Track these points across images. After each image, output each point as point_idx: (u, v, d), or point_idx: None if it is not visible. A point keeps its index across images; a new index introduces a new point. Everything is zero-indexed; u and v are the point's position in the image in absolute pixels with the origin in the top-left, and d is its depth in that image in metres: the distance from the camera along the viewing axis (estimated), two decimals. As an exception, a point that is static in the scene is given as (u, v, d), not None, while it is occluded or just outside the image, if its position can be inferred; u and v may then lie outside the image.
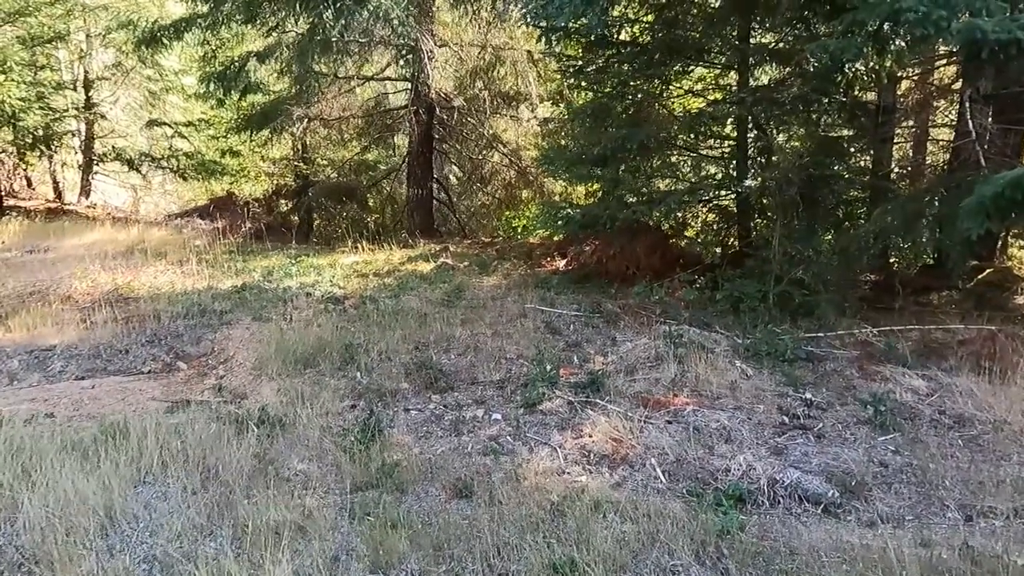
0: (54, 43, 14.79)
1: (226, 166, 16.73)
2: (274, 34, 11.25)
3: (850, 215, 7.55)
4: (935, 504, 3.48)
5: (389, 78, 13.65)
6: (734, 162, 8.15)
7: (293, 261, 9.85)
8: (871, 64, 5.90)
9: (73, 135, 16.51)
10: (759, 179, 6.96)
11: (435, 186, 14.39)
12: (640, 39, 8.35)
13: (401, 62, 12.76)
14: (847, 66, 5.82)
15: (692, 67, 8.57)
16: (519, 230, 15.75)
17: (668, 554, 3.00)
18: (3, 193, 14.88)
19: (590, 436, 4.24)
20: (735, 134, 8.19)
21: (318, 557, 2.93)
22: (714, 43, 7.85)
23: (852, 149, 7.72)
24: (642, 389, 4.96)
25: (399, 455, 4.05)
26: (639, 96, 8.29)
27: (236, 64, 11.47)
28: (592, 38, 8.24)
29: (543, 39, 8.77)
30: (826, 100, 6.87)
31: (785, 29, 7.34)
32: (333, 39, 10.32)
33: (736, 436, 4.22)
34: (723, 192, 8.45)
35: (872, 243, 6.30)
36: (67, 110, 15.23)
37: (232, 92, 11.96)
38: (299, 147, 15.44)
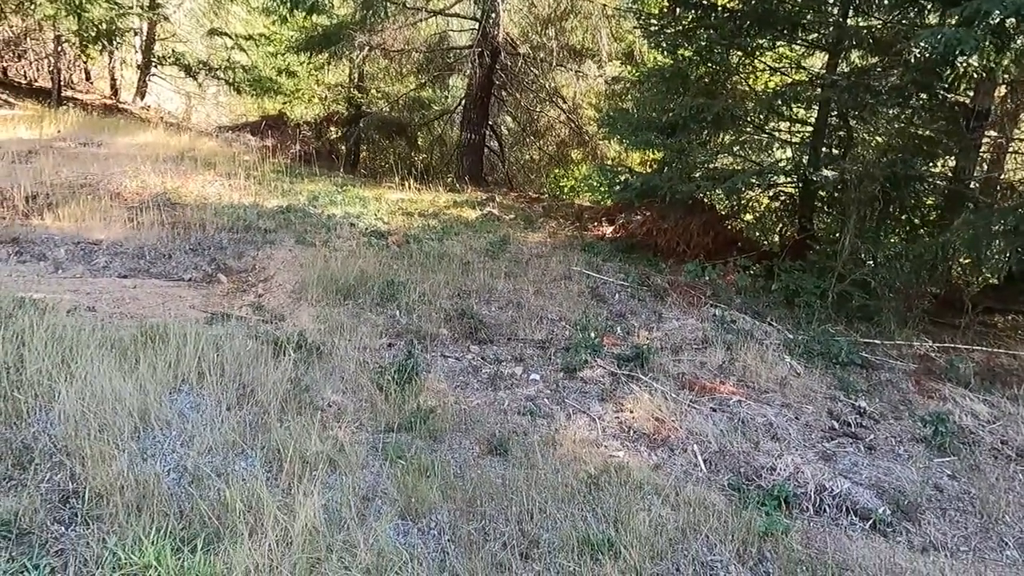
0: (126, -64, 14.55)
1: (281, 85, 16.53)
2: (348, -47, 10.91)
3: (925, 220, 7.15)
4: (993, 538, 3.28)
5: (457, 15, 13.23)
6: (808, 149, 7.75)
7: (339, 189, 9.73)
8: (984, 62, 5.45)
9: (135, 33, 16.39)
10: (837, 170, 6.57)
11: (488, 133, 14.08)
12: (730, 4, 7.88)
13: (472, -1, 12.35)
14: (959, 60, 5.38)
15: (779, 42, 8.08)
16: (566, 190, 15.44)
17: (708, 548, 2.86)
18: (62, 84, 14.91)
19: (631, 412, 4.09)
20: (814, 119, 7.77)
21: (349, 494, 2.84)
22: (809, 18, 7.36)
23: (939, 151, 7.26)
24: (687, 371, 4.78)
25: (434, 401, 3.94)
26: (719, 65, 7.87)
27: (306, -20, 11.17)
28: (678, -2, 7.83)
29: (627, -8, 8.37)
30: (925, 95, 6.41)
31: (892, 12, 6.82)
32: (407, -35, 9.95)
33: (783, 435, 4.03)
34: (790, 179, 8.06)
35: (951, 254, 5.94)
36: (131, 7, 15.05)
37: (298, 9, 11.70)
38: (356, 75, 15.19)
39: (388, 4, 11.64)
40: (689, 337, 5.40)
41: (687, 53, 7.88)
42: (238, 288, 5.81)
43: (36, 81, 15.97)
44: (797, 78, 8.26)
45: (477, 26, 12.24)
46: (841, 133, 7.55)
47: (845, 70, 7.23)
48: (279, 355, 4.10)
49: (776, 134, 8.34)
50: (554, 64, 12.71)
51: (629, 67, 11.96)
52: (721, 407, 4.29)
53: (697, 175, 7.66)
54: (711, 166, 7.86)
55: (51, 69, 14.99)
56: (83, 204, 6.83)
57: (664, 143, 8.10)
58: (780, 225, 8.47)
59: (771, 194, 8.55)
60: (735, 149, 8.13)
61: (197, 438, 3.11)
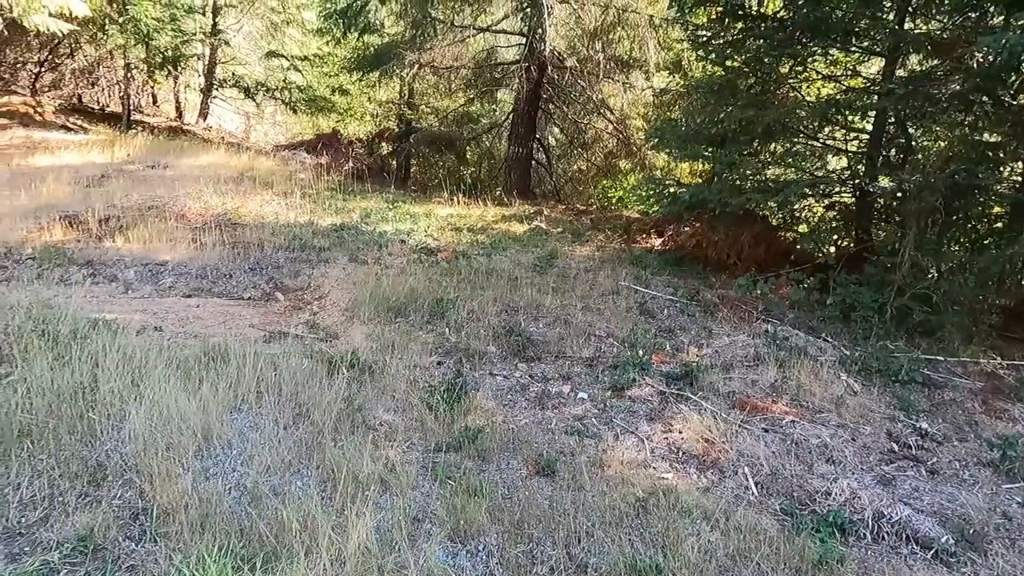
0: (189, -33, 15.28)
1: (335, 103, 17.05)
2: (397, -25, 11.20)
3: (991, 231, 6.84)
4: (1067, 572, 3.12)
5: (504, 31, 13.38)
6: (864, 158, 7.53)
7: (390, 206, 9.96)
8: (1053, 66, 5.21)
9: (198, 58, 17.17)
10: (896, 180, 6.37)
11: (535, 146, 14.17)
12: (780, 13, 7.74)
13: (519, 15, 12.47)
14: (1024, 65, 5.16)
15: (833, 49, 7.89)
16: (615, 201, 15.39)
17: (759, 576, 2.82)
18: (132, 108, 15.73)
19: (680, 432, 4.05)
20: (870, 127, 7.54)
21: (399, 515, 2.92)
22: (863, 24, 7.16)
23: (1003, 158, 6.94)
24: (738, 389, 4.70)
25: (482, 420, 4.00)
26: (769, 75, 7.73)
27: (358, 3, 11.51)
28: (726, 7, 7.73)
29: (673, 5, 8.33)
30: (988, 101, 6.16)
31: (953, 16, 6.58)
32: (455, -15, 10.15)
33: (839, 457, 3.92)
34: (846, 189, 7.84)
35: (1020, 266, 5.67)
36: (195, 33, 15.80)
37: (351, 30, 12.06)
38: (406, 92, 15.51)
39: (437, 23, 11.89)
40: (740, 354, 5.31)
41: (736, 63, 7.77)
42: (294, 306, 6.01)
43: (108, 106, 16.89)
44: (852, 84, 8.05)
45: (524, 41, 12.36)
46: (900, 141, 7.31)
47: (903, 76, 7.00)
48: (333, 374, 4.23)
49: (830, 143, 8.13)
50: (601, 76, 12.71)
51: (677, 77, 11.85)
52: (773, 427, 4.21)
53: (747, 186, 7.53)
54: (762, 177, 7.71)
55: (121, 95, 15.84)
56: (151, 226, 7.20)
57: (713, 155, 8.01)
58: (836, 236, 8.23)
59: (826, 204, 8.33)
60: (787, 160, 7.95)
61: (256, 457, 3.25)
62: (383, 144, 16.06)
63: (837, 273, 6.80)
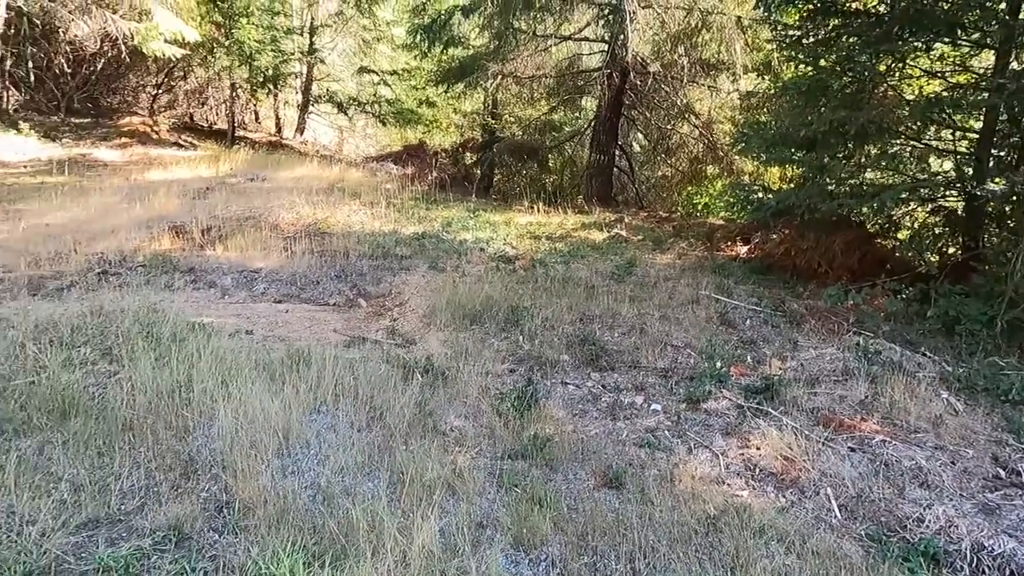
0: (289, -10, 16.22)
1: (422, 115, 17.57)
2: (481, -12, 11.42)
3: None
4: None
5: (586, 38, 13.37)
6: (973, 159, 6.98)
7: (471, 215, 10.13)
8: None
9: (296, 76, 18.15)
10: (1008, 182, 5.87)
11: (617, 153, 14.04)
12: (875, 8, 7.33)
13: (601, 22, 12.43)
14: None
15: (936, 43, 7.38)
16: (700, 207, 14.98)
17: (837, 604, 2.66)
18: (236, 125, 16.82)
19: (757, 448, 3.89)
20: (980, 126, 6.99)
21: (464, 520, 2.95)
22: (972, 16, 6.66)
23: None
24: (823, 405, 4.46)
25: (552, 429, 3.99)
26: (864, 74, 7.32)
27: (443, 17, 11.82)
28: (817, 5, 7.40)
29: (760, 5, 8.05)
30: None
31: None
32: (537, -5, 10.25)
33: (934, 481, 3.64)
34: (951, 193, 7.30)
35: None
36: (293, 53, 16.74)
37: (436, 44, 12.39)
38: (489, 103, 15.77)
39: (519, 33, 12.03)
40: (827, 368, 5.04)
41: (827, 63, 7.41)
42: (375, 312, 6.22)
43: (216, 124, 18.13)
44: (961, 80, 7.49)
45: (606, 48, 12.29)
46: (1013, 140, 6.73)
47: (1016, 69, 6.45)
48: (408, 379, 4.35)
49: (934, 144, 7.60)
50: (686, 80, 12.43)
51: (766, 79, 11.43)
52: (861, 447, 3.96)
53: (840, 191, 7.15)
54: (856, 181, 7.30)
55: (227, 112, 16.97)
56: (247, 235, 7.66)
57: (803, 158, 7.66)
58: (939, 244, 7.66)
59: (929, 210, 7.78)
60: (883, 163, 7.49)
61: (331, 458, 3.38)
62: (467, 154, 16.39)
63: (940, 283, 6.33)
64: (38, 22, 12.61)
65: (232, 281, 6.52)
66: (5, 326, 4.61)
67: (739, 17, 11.35)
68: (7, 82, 14.18)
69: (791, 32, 8.01)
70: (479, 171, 15.89)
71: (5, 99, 14.14)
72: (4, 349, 4.21)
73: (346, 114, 18.77)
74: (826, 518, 3.32)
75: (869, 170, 7.76)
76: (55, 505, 2.90)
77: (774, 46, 9.67)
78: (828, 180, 7.30)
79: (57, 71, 14.94)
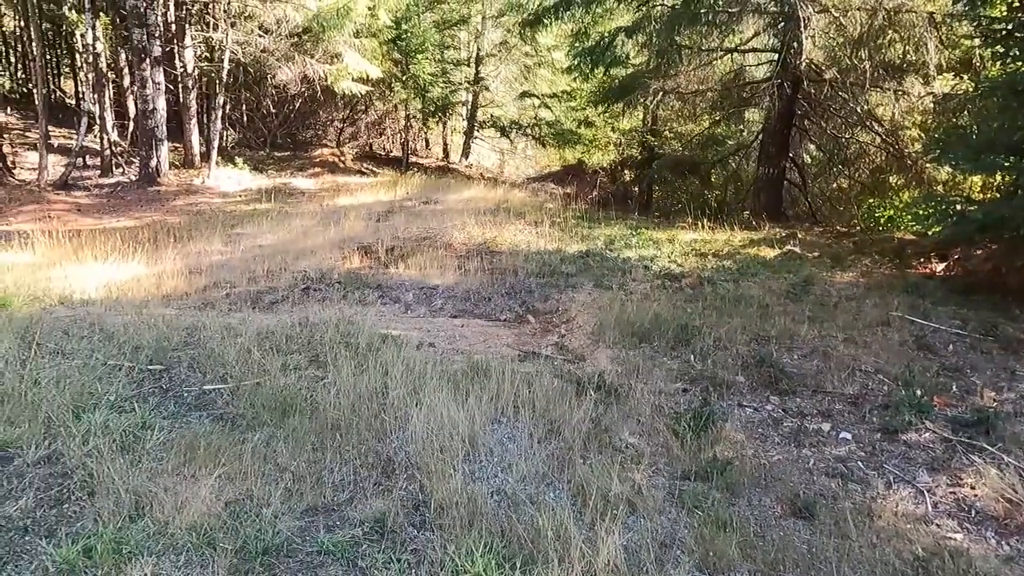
0: (458, 25, 17.30)
1: (580, 135, 17.85)
2: (644, 8, 11.44)
3: None
4: None
5: (755, 49, 12.87)
6: None
7: (633, 232, 10.09)
8: None
9: (462, 104, 19.26)
10: None
11: (787, 165, 13.29)
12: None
13: (770, 31, 11.91)
14: None
15: None
16: (884, 221, 13.73)
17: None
18: (409, 152, 18.17)
19: (972, 487, 3.51)
20: None
21: (647, 537, 2.97)
22: None
23: None
24: (1053, 445, 3.92)
25: (731, 452, 3.88)
26: (1098, 65, 6.38)
27: (605, 39, 11.97)
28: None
29: (962, -3, 7.32)
30: None
31: None
32: (703, 10, 10.07)
33: None
34: None
35: None
36: (461, 83, 17.80)
37: (599, 66, 12.55)
38: (649, 119, 15.66)
39: (682, 49, 11.86)
40: (1056, 402, 4.42)
41: (1048, 57, 6.56)
42: (544, 328, 6.41)
43: (391, 152, 19.70)
44: None
45: (776, 57, 11.75)
46: None
47: None
48: (581, 394, 4.44)
49: None
50: (867, 85, 11.52)
51: (966, 79, 10.28)
52: (1107, 495, 3.43)
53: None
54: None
55: (401, 141, 18.38)
56: (424, 254, 8.23)
57: (1016, 165, 6.80)
58: None
59: None
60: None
61: (514, 466, 3.54)
62: (626, 172, 16.37)
63: None
64: (251, 70, 14.53)
65: (413, 297, 7.04)
66: (233, 334, 5.34)
67: (931, 13, 10.35)
68: (226, 124, 16.46)
69: (998, 26, 7.18)
70: (638, 189, 15.80)
71: (224, 138, 16.39)
72: (235, 354, 4.88)
73: (508, 137, 19.55)
74: (1064, 573, 2.92)
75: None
76: (282, 492, 3.30)
77: (977, 42, 8.72)
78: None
79: (264, 112, 17.09)
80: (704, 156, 14.91)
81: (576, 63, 13.48)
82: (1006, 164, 7.00)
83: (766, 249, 9.26)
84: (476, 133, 20.08)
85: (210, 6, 13.97)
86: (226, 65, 13.41)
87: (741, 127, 15.45)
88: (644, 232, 10.20)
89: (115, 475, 3.13)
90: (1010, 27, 6.95)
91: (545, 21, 12.42)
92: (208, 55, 14.59)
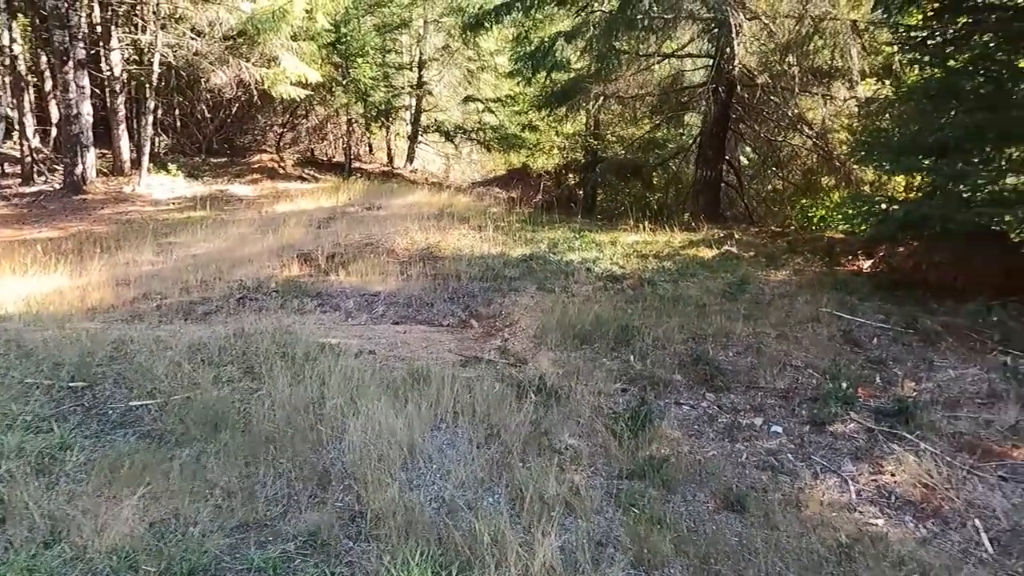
0: (399, 29, 17.17)
1: (525, 140, 17.94)
2: (583, 13, 11.59)
3: None
4: None
5: (690, 54, 13.21)
6: None
7: (577, 235, 10.19)
8: None
9: (406, 109, 19.11)
10: None
11: (725, 168, 13.68)
12: (1012, 1, 6.80)
13: (705, 37, 12.25)
14: None
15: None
16: (816, 221, 14.27)
17: (992, 646, 2.46)
18: (352, 157, 17.91)
19: (892, 474, 3.67)
20: None
21: (583, 538, 2.99)
22: None
23: None
24: (967, 430, 4.13)
25: (667, 450, 3.95)
26: (1003, 72, 6.77)
27: (546, 44, 12.08)
28: (944, 2, 6.96)
29: (879, 6, 7.68)
30: None
31: None
32: (639, 16, 10.27)
33: (1105, 516, 3.28)
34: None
35: None
36: (403, 87, 17.65)
37: (540, 70, 12.65)
38: (591, 123, 15.87)
39: (621, 54, 12.06)
40: (970, 390, 4.66)
41: (958, 63, 6.93)
42: (487, 333, 6.40)
43: (334, 157, 19.38)
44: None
45: (711, 63, 12.07)
46: None
47: None
48: (521, 397, 4.45)
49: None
50: (797, 90, 11.96)
51: (887, 84, 10.79)
52: (1014, 475, 3.64)
53: (978, 199, 6.62)
54: (996, 188, 6.73)
55: (344, 146, 18.11)
56: (366, 261, 8.12)
57: (933, 166, 7.16)
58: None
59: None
60: (1029, 166, 6.87)
61: (452, 473, 3.52)
62: (570, 175, 16.53)
63: (1103, 296, 5.71)
64: (184, 74, 14.07)
65: (354, 304, 6.93)
66: (163, 347, 5.15)
67: (854, 21, 10.82)
68: (158, 129, 15.88)
69: (914, 34, 7.56)
70: (582, 192, 15.98)
71: (156, 144, 15.82)
72: (164, 367, 4.71)
73: (452, 142, 19.49)
74: (975, 552, 3.07)
75: (1012, 175, 7.13)
76: (211, 509, 3.20)
77: (895, 49, 9.16)
78: (964, 188, 6.78)
79: (199, 116, 16.57)
80: (646, 159, 15.18)
81: (518, 67, 13.56)
82: (925, 165, 7.37)
83: (704, 250, 9.49)
84: (420, 138, 19.95)
85: (138, 7, 13.46)
86: (156, 68, 12.95)
87: (681, 131, 15.82)
88: (587, 235, 10.31)
89: (29, 499, 2.98)
90: (924, 35, 7.32)
91: (486, 25, 12.44)
92: (137, 58, 14.05)
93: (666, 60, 13.63)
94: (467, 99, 18.75)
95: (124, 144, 14.16)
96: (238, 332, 5.37)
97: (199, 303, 6.70)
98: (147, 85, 13.27)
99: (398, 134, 20.56)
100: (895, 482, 3.61)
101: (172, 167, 14.74)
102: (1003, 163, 7.05)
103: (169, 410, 4.12)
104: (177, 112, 16.62)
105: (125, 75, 13.86)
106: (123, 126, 14.04)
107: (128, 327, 5.64)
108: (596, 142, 15.83)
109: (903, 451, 3.84)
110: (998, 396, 4.49)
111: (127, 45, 13.67)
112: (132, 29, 13.70)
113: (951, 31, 7.04)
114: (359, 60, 15.05)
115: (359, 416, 3.94)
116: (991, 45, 6.66)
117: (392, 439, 3.74)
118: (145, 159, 13.52)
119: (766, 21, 11.55)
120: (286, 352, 4.97)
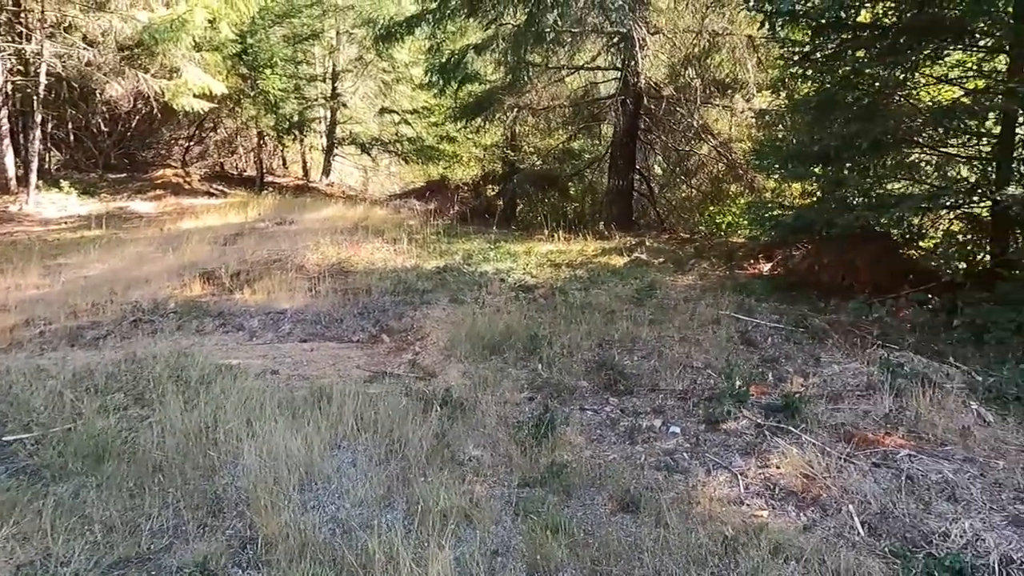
0: (311, 40, 16.84)
1: (442, 151, 17.93)
2: (492, 27, 11.74)
3: None
4: None
5: (599, 67, 13.59)
6: (993, 164, 6.90)
7: (492, 246, 10.26)
8: None
9: (320, 121, 18.73)
10: (1026, 187, 5.79)
11: (637, 177, 14.11)
12: (883, 20, 7.35)
13: (612, 51, 12.64)
14: None
15: (948, 51, 7.35)
16: (723, 227, 14.92)
17: (857, 623, 2.62)
18: (264, 171, 17.38)
19: (777, 467, 3.86)
20: (998, 130, 6.91)
21: (478, 549, 3.00)
22: (981, 22, 6.63)
23: None
24: (846, 421, 4.40)
25: (569, 456, 4.01)
26: (875, 85, 7.31)
27: (457, 56, 12.15)
28: (823, 21, 7.44)
29: (766, 24, 8.12)
30: None
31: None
32: (546, 30, 10.49)
33: (962, 494, 3.56)
34: (975, 199, 7.19)
35: None
36: (317, 99, 17.31)
37: (452, 82, 12.71)
38: (508, 135, 16.03)
39: (532, 67, 12.27)
40: (850, 383, 4.97)
41: (835, 78, 7.44)
42: (398, 347, 6.34)
43: (245, 171, 18.76)
44: (978, 85, 7.43)
45: (618, 75, 12.46)
46: (1032, 143, 6.64)
47: (1030, 73, 6.39)
48: (427, 411, 4.43)
49: (957, 151, 7.51)
50: (699, 102, 12.52)
51: (781, 96, 11.44)
52: (885, 462, 3.89)
53: (857, 202, 7.10)
54: (873, 193, 7.25)
55: (255, 160, 17.56)
56: (274, 278, 7.89)
57: (819, 173, 7.64)
58: (968, 251, 7.52)
59: (954, 217, 7.67)
60: (901, 172, 7.43)
61: (351, 491, 3.46)
62: (488, 186, 16.62)
63: (966, 291, 6.22)
64: (76, 85, 13.31)
65: (259, 323, 6.72)
66: (45, 376, 4.84)
67: (750, 36, 11.44)
68: (48, 144, 14.93)
69: (799, 49, 8.05)
70: (501, 202, 16.09)
71: (47, 160, 14.86)
72: (44, 398, 4.42)
73: (369, 154, 19.26)
74: (848, 535, 3.27)
75: (889, 181, 7.70)
76: (88, 546, 3.02)
77: (784, 63, 9.72)
78: (846, 193, 7.26)
79: (95, 130, 15.69)
80: (562, 169, 15.47)
81: (431, 79, 13.56)
82: (812, 172, 7.85)
83: (616, 257, 9.75)
84: (337, 150, 19.60)
85: (22, 15, 12.64)
86: (43, 80, 12.18)
87: (596, 141, 16.20)
88: (503, 245, 10.40)
89: None
90: (807, 51, 7.80)
91: (397, 36, 12.40)
92: (22, 68, 13.18)
93: (576, 72, 13.98)
94: (383, 111, 18.59)
95: (9, 160, 13.23)
96: (129, 357, 5.12)
97: (88, 328, 6.32)
98: (34, 97, 12.45)
99: (312, 147, 20.13)
100: (780, 474, 3.80)
101: (64, 184, 13.88)
102: (879, 170, 7.60)
103: (47, 443, 3.88)
104: (70, 126, 15.67)
105: (9, 86, 12.98)
106: (7, 141, 13.11)
107: (5, 356, 5.26)
108: (513, 153, 16.01)
109: (787, 444, 4.05)
110: (875, 388, 4.80)
111: (10, 55, 12.80)
112: (16, 38, 12.84)
113: (831, 47, 7.54)
114: (267, 71, 14.66)
115: (255, 439, 3.82)
116: (864, 60, 7.17)
117: (289, 460, 3.65)
118: (33, 176, 12.67)
119: (668, 35, 12.04)
120: (180, 376, 4.77)
